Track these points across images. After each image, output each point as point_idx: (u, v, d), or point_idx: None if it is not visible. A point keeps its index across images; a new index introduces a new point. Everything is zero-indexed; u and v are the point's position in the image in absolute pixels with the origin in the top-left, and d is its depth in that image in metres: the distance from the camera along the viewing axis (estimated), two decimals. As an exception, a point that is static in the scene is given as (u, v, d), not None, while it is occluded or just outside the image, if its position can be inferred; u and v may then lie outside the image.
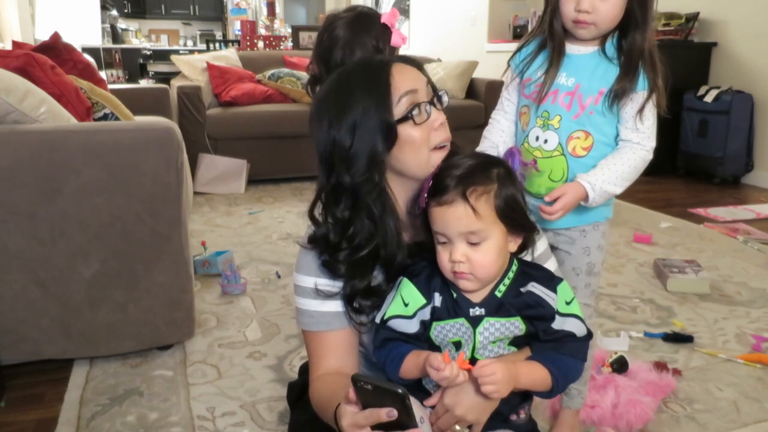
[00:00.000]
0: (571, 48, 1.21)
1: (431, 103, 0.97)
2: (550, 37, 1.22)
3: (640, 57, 1.16)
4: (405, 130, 0.95)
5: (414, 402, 0.83)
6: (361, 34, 1.33)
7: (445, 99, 1.00)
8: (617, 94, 1.17)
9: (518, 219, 0.93)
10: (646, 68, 1.17)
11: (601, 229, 1.30)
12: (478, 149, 1.29)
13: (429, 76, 1.01)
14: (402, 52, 1.39)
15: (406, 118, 0.94)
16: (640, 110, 1.18)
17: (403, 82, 0.95)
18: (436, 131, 0.97)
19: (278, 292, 2.34)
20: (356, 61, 1.07)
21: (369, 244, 0.97)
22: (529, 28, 5.14)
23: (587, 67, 1.20)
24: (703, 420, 1.54)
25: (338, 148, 0.95)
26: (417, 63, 1.01)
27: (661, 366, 1.73)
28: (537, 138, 1.24)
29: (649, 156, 1.22)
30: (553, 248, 1.26)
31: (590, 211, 1.27)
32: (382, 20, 1.36)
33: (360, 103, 0.94)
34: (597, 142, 1.22)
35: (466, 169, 0.90)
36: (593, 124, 1.21)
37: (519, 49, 1.28)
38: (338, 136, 0.95)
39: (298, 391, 1.25)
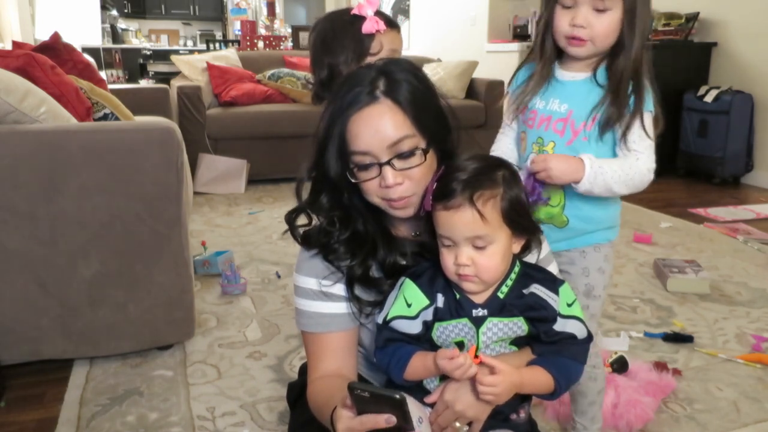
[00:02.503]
0: (563, 74, 1.20)
1: (389, 163, 0.92)
2: (540, 54, 1.20)
3: (621, 80, 1.12)
4: (356, 174, 0.96)
5: (413, 402, 0.83)
6: (331, 49, 1.34)
7: (413, 159, 0.94)
8: (607, 122, 1.14)
9: (523, 221, 0.93)
10: (634, 91, 1.14)
11: (603, 251, 1.27)
12: None
13: (424, 116, 0.94)
14: (402, 53, 1.39)
15: (350, 170, 0.96)
16: (625, 133, 1.14)
17: (355, 140, 0.94)
18: (387, 189, 0.94)
19: (278, 292, 2.34)
20: (340, 82, 1.02)
21: (352, 216, 1.00)
22: (529, 29, 5.13)
23: (580, 93, 1.17)
24: (703, 420, 1.55)
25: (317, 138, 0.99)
26: (405, 104, 0.93)
27: (661, 366, 1.73)
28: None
29: (647, 174, 1.16)
30: None
31: (592, 233, 1.25)
32: (353, 11, 1.35)
33: (327, 126, 0.96)
34: None
35: (472, 173, 0.90)
36: (586, 149, 1.17)
37: (516, 72, 1.28)
38: (320, 130, 0.98)
39: (298, 391, 1.24)
